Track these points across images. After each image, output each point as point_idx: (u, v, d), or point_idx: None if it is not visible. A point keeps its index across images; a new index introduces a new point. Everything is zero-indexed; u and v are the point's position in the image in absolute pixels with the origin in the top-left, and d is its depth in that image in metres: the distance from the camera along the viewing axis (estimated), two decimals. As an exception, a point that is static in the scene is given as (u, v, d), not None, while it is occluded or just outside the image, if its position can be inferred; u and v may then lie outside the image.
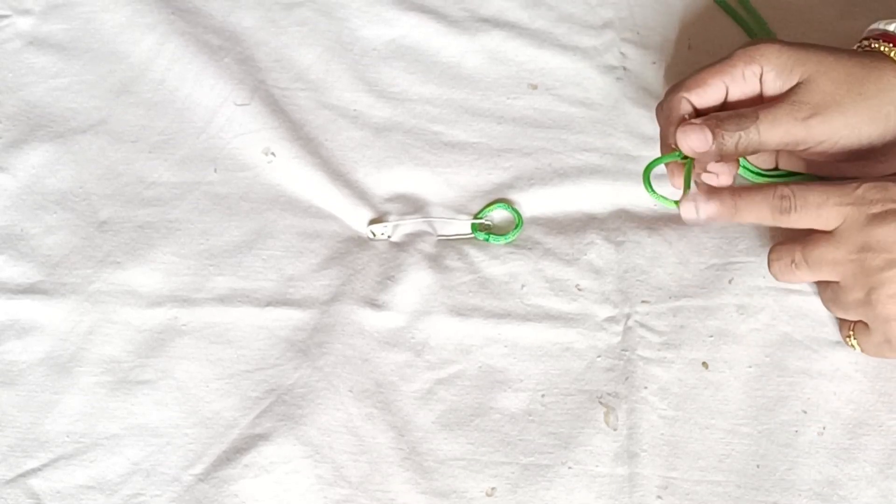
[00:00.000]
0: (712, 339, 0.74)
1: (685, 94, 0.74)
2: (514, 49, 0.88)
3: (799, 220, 0.70)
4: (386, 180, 0.82)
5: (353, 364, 0.74)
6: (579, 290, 0.77)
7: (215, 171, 0.83)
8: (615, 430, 0.72)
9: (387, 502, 0.69)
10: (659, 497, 0.69)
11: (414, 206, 0.81)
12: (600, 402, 0.73)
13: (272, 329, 0.76)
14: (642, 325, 0.75)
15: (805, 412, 0.72)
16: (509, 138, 0.84)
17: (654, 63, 0.87)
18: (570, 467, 0.70)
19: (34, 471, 0.71)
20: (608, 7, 0.90)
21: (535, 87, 0.86)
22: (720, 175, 0.74)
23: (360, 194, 0.81)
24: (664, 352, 0.74)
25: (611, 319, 0.76)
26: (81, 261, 0.78)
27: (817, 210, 0.69)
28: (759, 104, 0.73)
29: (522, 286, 0.77)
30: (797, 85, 0.72)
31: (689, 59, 0.87)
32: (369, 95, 0.86)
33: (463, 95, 0.86)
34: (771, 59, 0.73)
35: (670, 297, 0.76)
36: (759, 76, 0.73)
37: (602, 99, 0.86)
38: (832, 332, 0.74)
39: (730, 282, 0.76)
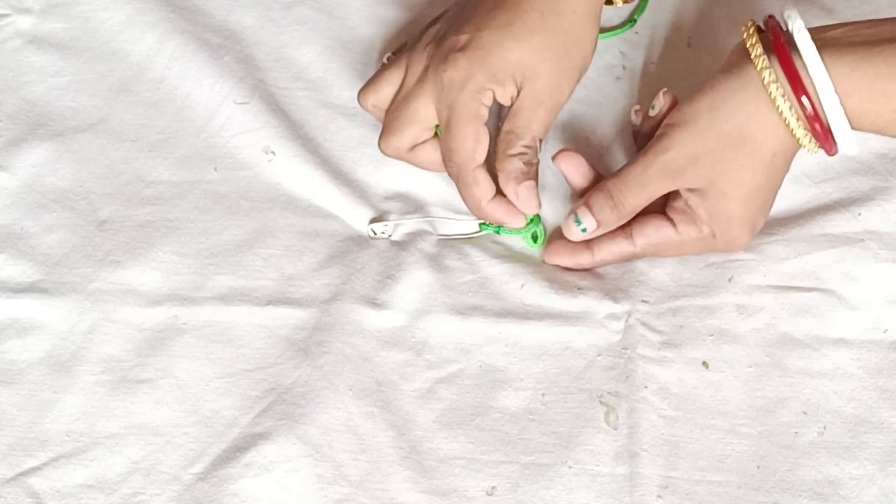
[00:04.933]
0: (712, 338, 0.74)
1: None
2: (514, 48, 0.88)
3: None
4: (386, 179, 0.82)
5: (353, 363, 0.74)
6: (579, 289, 0.77)
7: (215, 169, 0.83)
8: (615, 429, 0.71)
9: (387, 501, 0.69)
10: (659, 497, 0.69)
11: (414, 205, 0.81)
12: (601, 402, 0.73)
13: (272, 328, 0.75)
14: (643, 324, 0.75)
15: (805, 413, 0.72)
16: (509, 138, 0.84)
17: (654, 63, 0.87)
18: (570, 466, 0.70)
19: (34, 470, 0.71)
20: (607, 6, 0.90)
21: (534, 86, 0.86)
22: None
23: (360, 193, 0.81)
24: (664, 351, 0.74)
25: (611, 317, 0.76)
26: (81, 260, 0.78)
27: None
28: None
29: (522, 285, 0.77)
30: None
31: (689, 57, 0.87)
32: (369, 94, 0.86)
33: (463, 95, 0.86)
34: None
35: (670, 297, 0.76)
36: None
37: (601, 98, 0.86)
38: (833, 329, 0.74)
39: (729, 280, 0.76)
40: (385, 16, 0.90)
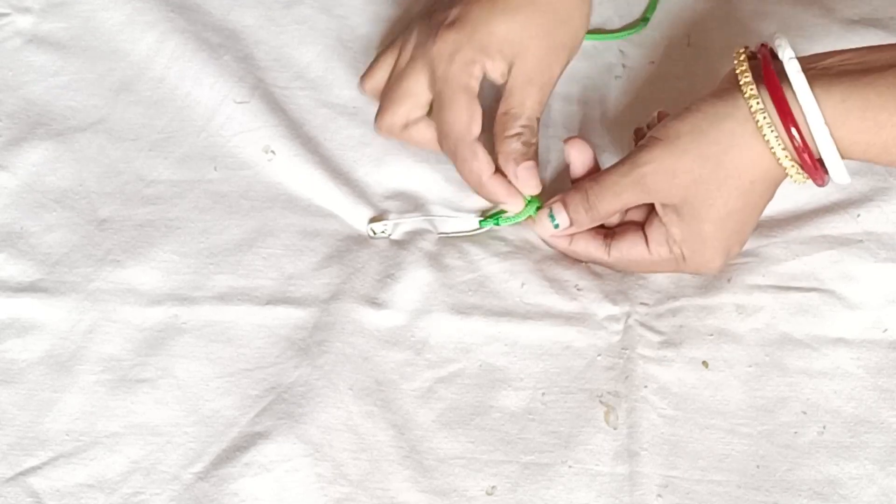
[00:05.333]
0: (712, 338, 0.74)
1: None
2: (514, 47, 0.88)
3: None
4: (386, 178, 0.82)
5: (353, 362, 0.74)
6: (578, 289, 0.77)
7: (215, 169, 0.83)
8: (615, 429, 0.72)
9: (387, 500, 0.69)
10: (659, 496, 0.69)
11: (414, 203, 0.81)
12: (600, 401, 0.73)
13: (272, 327, 0.75)
14: (642, 325, 0.75)
15: (805, 413, 0.72)
16: (509, 137, 0.84)
17: (653, 62, 0.88)
18: (570, 466, 0.70)
19: (34, 469, 0.70)
20: (607, 5, 0.90)
21: (534, 85, 0.86)
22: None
23: (359, 192, 0.81)
24: (664, 351, 0.74)
25: (611, 318, 0.76)
26: (81, 259, 0.78)
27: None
28: None
29: (522, 284, 0.77)
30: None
31: (689, 57, 0.87)
32: (369, 93, 0.86)
33: (462, 94, 0.86)
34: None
35: (669, 299, 0.76)
36: None
37: (601, 97, 0.86)
38: (833, 329, 0.74)
39: (729, 281, 0.76)
40: (384, 15, 0.90)
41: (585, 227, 0.76)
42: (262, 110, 0.84)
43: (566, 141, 0.78)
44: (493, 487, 0.70)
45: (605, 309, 0.76)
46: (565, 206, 0.75)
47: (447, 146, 0.77)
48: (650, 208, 0.75)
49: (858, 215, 0.78)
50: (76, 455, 0.71)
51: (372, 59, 0.83)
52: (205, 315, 0.76)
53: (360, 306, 0.76)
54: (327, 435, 0.71)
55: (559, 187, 0.79)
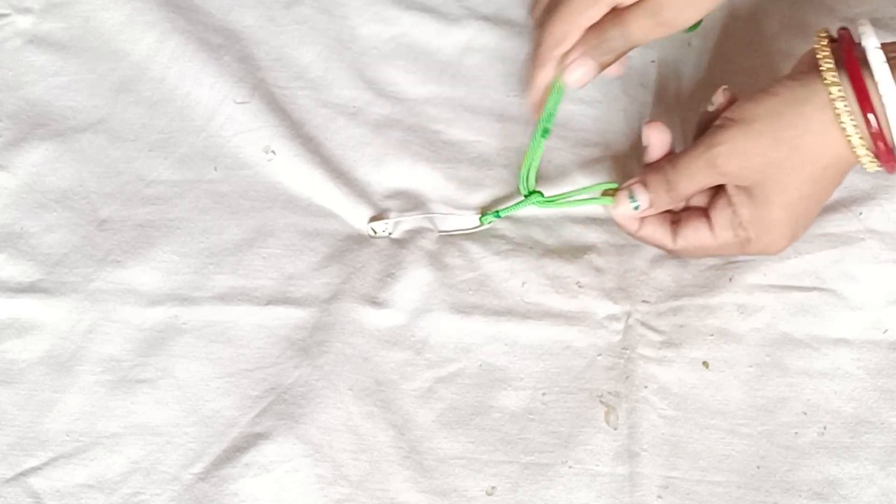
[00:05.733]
0: (713, 338, 0.74)
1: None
2: (514, 47, 0.88)
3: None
4: (386, 178, 0.82)
5: (353, 362, 0.74)
6: (580, 287, 0.77)
7: (215, 169, 0.83)
8: (615, 429, 0.72)
9: (387, 501, 0.69)
10: (659, 497, 0.69)
11: (414, 202, 0.81)
12: (601, 401, 0.73)
13: (272, 328, 0.76)
14: (643, 324, 0.75)
15: (805, 413, 0.72)
16: (509, 136, 0.84)
17: (653, 61, 0.87)
18: (570, 466, 0.70)
19: (34, 469, 0.71)
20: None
21: (534, 85, 0.86)
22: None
23: (360, 192, 0.81)
24: (664, 351, 0.74)
25: (611, 317, 0.76)
26: (81, 259, 0.78)
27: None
28: None
29: (523, 283, 0.77)
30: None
31: (689, 56, 0.87)
32: (369, 93, 0.86)
33: (462, 94, 0.86)
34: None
35: (670, 297, 0.76)
36: None
37: (601, 96, 0.86)
38: (833, 329, 0.74)
39: (730, 280, 0.76)
40: (385, 15, 0.90)
41: (664, 209, 0.76)
42: (263, 110, 0.84)
43: (647, 123, 0.76)
44: (493, 488, 0.70)
45: (606, 308, 0.76)
46: (646, 186, 0.75)
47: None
48: (714, 193, 0.75)
49: (860, 213, 0.78)
50: (76, 455, 0.71)
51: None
52: (205, 315, 0.76)
53: (360, 306, 0.76)
54: (327, 435, 0.71)
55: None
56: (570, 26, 0.74)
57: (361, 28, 0.89)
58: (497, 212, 0.79)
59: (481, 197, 0.81)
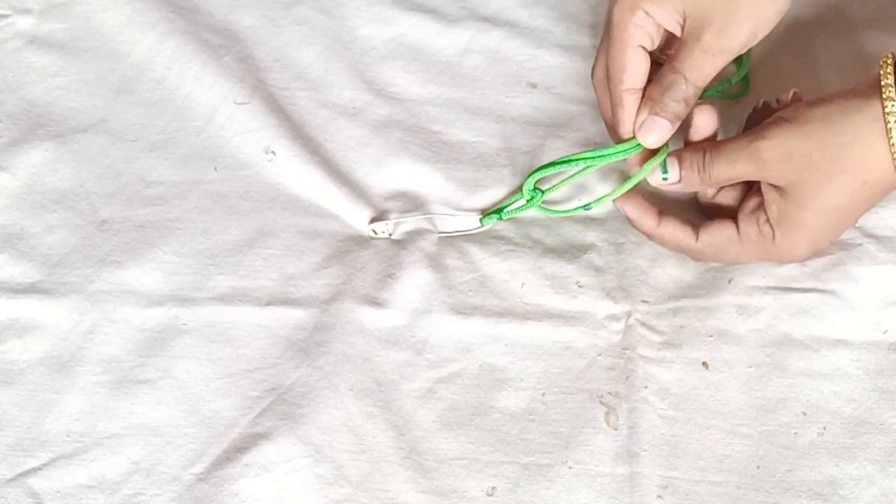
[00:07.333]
0: (712, 338, 0.74)
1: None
2: (514, 48, 0.88)
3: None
4: (386, 178, 0.82)
5: (353, 363, 0.74)
6: (580, 287, 0.77)
7: (216, 169, 0.83)
8: (615, 429, 0.72)
9: (387, 501, 0.69)
10: (659, 497, 0.69)
11: (414, 203, 0.81)
12: (601, 402, 0.73)
13: (272, 328, 0.76)
14: (643, 325, 0.75)
15: (805, 413, 0.72)
16: (509, 137, 0.84)
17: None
18: (570, 467, 0.70)
19: (34, 470, 0.71)
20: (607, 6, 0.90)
21: (534, 85, 0.86)
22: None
23: (360, 193, 0.81)
24: (664, 351, 0.74)
25: (611, 317, 0.76)
26: (81, 260, 0.78)
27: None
28: None
29: (523, 284, 0.77)
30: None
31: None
32: (369, 94, 0.86)
33: (462, 94, 0.86)
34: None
35: (670, 298, 0.76)
36: None
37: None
38: (833, 330, 0.74)
39: (729, 282, 0.76)
40: (385, 16, 0.90)
41: (692, 189, 0.75)
42: (263, 111, 0.84)
43: (698, 104, 0.75)
44: (494, 488, 0.70)
45: (606, 308, 0.76)
46: (680, 161, 0.75)
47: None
48: (743, 190, 0.75)
49: (857, 221, 0.78)
50: (76, 456, 0.71)
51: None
52: (205, 316, 0.76)
53: (360, 306, 0.76)
54: (327, 436, 0.71)
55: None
56: (616, 86, 0.74)
57: (361, 29, 0.89)
58: (500, 215, 0.79)
59: (481, 198, 0.81)
